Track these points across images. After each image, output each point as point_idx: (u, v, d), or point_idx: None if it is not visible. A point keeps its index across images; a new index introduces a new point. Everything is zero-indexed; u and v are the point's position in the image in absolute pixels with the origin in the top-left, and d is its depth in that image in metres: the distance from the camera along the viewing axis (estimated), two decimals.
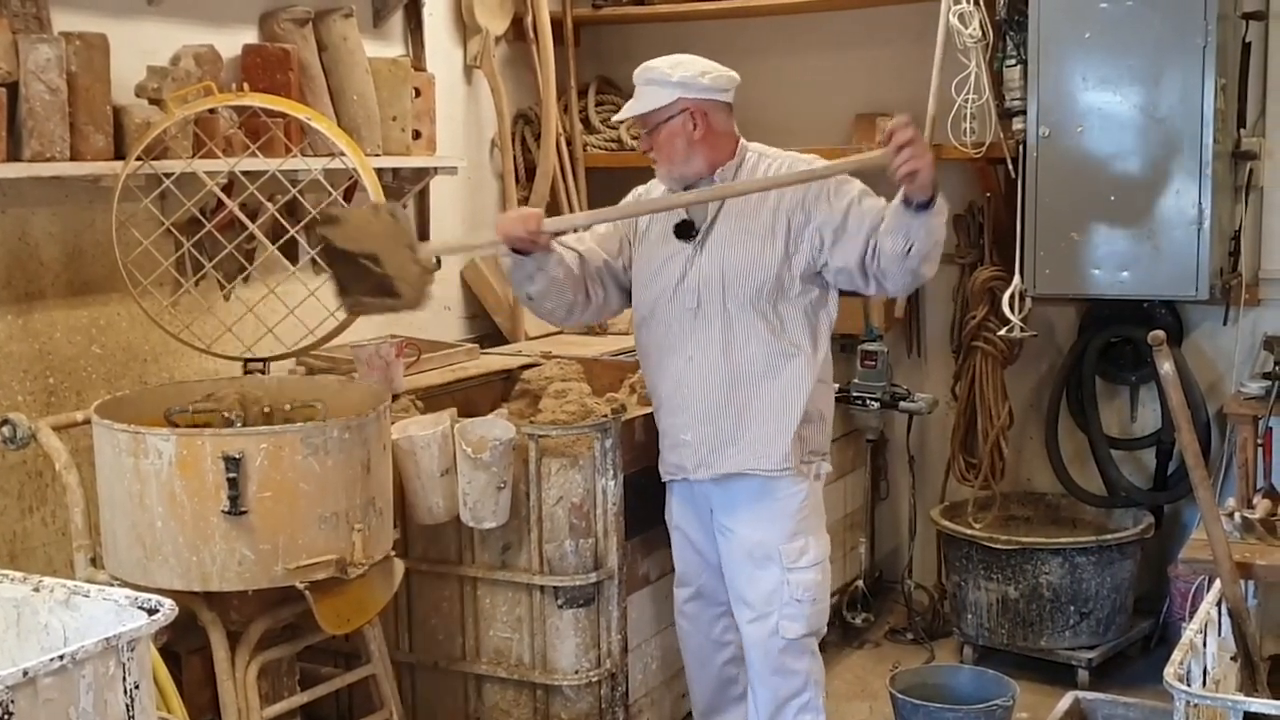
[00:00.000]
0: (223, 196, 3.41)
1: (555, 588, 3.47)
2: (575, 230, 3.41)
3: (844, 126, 5.02)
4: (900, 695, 3.84)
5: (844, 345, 5.03)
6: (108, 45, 3.34)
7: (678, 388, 3.34)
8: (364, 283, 3.13)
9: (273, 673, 3.14)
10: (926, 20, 4.58)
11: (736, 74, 3.31)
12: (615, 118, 3.38)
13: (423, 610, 3.68)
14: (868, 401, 4.64)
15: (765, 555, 3.31)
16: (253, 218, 3.43)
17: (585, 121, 5.23)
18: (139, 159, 3.29)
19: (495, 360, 4.35)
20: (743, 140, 3.36)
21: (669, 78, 3.21)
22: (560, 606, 3.49)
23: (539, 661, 3.53)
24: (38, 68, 3.16)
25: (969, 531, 4.52)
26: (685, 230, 3.32)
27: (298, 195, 3.42)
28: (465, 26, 4.78)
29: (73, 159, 3.26)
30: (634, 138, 5.21)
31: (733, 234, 3.28)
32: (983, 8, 4.40)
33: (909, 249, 3.08)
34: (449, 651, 3.66)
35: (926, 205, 3.03)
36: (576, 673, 3.50)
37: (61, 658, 1.95)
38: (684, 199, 3.26)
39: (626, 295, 3.48)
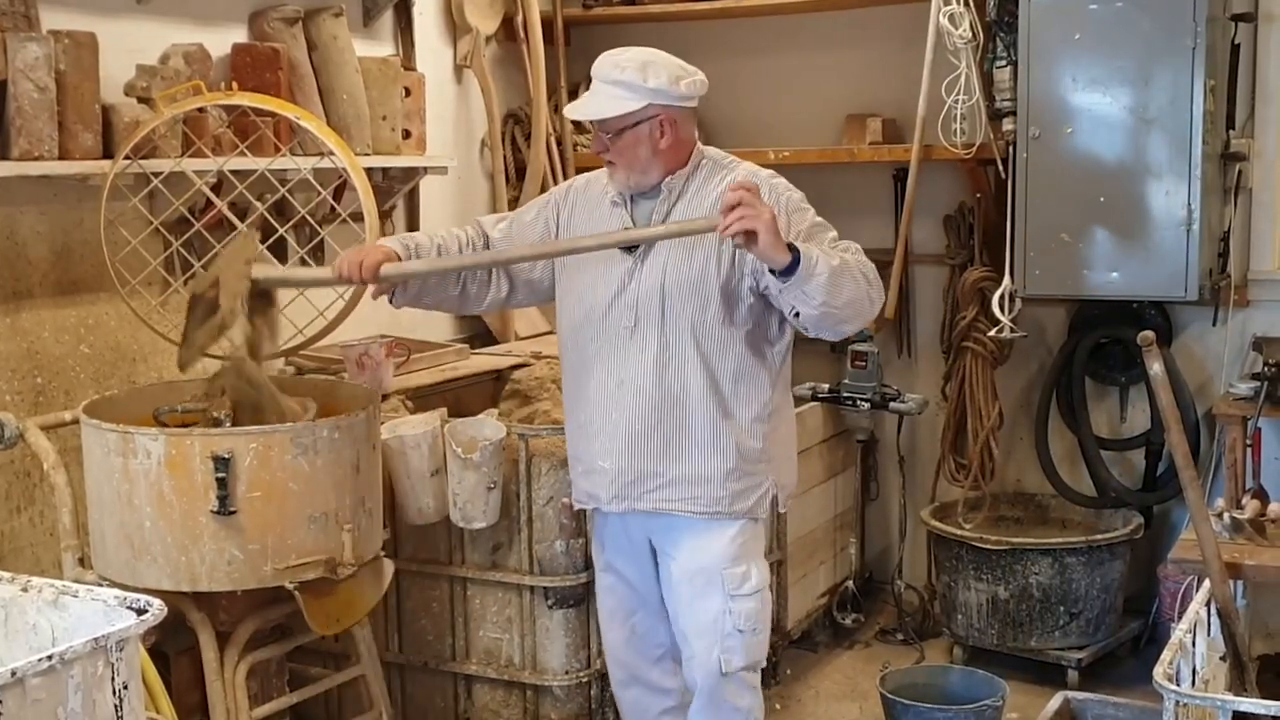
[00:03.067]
0: (211, 196, 3.40)
1: (545, 588, 3.47)
2: (413, 278, 3.00)
3: (835, 126, 5.03)
4: (890, 695, 3.84)
5: (834, 346, 5.04)
6: (96, 44, 3.32)
7: (602, 411, 3.02)
8: (202, 316, 3.00)
9: (262, 673, 3.14)
10: (917, 21, 4.59)
11: (705, 76, 3.00)
12: (568, 113, 3.04)
13: (412, 610, 3.68)
14: (858, 402, 4.64)
15: (707, 581, 3.02)
16: (242, 217, 3.42)
17: (575, 122, 5.22)
18: (128, 158, 3.28)
19: (485, 360, 4.34)
20: (699, 145, 3.06)
21: (641, 83, 2.88)
22: (550, 607, 3.49)
23: (529, 662, 3.53)
24: (26, 66, 3.15)
25: (959, 532, 4.52)
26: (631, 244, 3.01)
27: (287, 195, 3.41)
28: (455, 26, 4.77)
29: (61, 158, 3.24)
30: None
31: (677, 248, 2.97)
32: (973, 9, 4.41)
33: (797, 314, 2.82)
34: (439, 652, 3.65)
35: (790, 270, 2.70)
36: (567, 673, 3.50)
37: (50, 658, 1.94)
38: (581, 245, 2.99)
39: (539, 295, 3.22)
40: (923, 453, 5.07)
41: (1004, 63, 4.37)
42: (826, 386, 4.71)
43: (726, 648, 3.03)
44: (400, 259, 2.92)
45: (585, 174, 3.20)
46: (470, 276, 3.08)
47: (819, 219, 2.99)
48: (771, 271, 2.73)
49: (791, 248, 2.70)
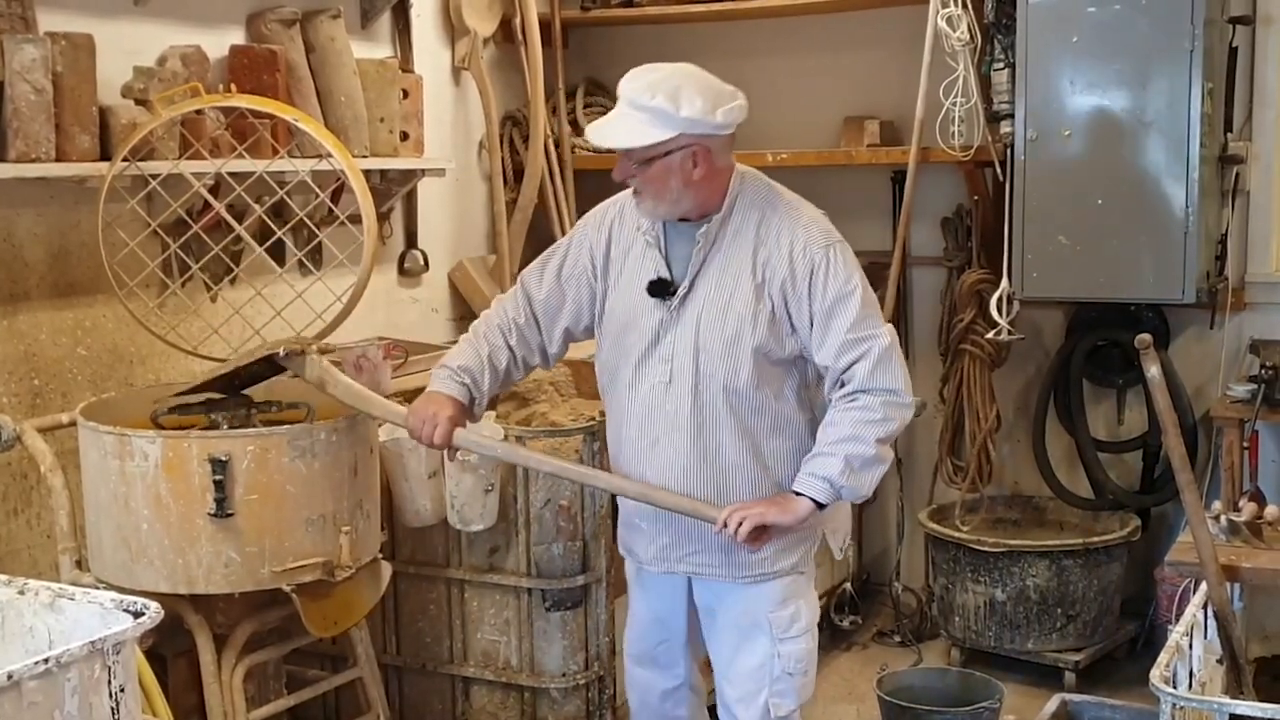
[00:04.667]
0: (209, 198, 3.40)
1: (543, 590, 3.47)
2: (483, 454, 3.01)
3: (833, 129, 5.03)
4: (887, 698, 3.84)
5: None
6: (94, 45, 3.32)
7: (638, 468, 2.85)
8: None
9: (259, 675, 3.14)
10: (915, 24, 4.59)
11: (745, 100, 2.77)
12: (595, 142, 2.76)
13: (410, 613, 3.68)
14: None
15: (753, 623, 2.88)
16: (239, 219, 3.41)
17: (573, 123, 5.22)
18: (125, 160, 3.27)
19: None
20: (736, 170, 2.81)
21: (673, 112, 2.63)
22: (548, 609, 3.48)
23: (526, 664, 3.53)
24: (23, 68, 3.15)
25: (956, 534, 4.52)
26: (660, 288, 2.79)
27: (285, 197, 3.41)
28: (453, 28, 4.77)
29: (58, 160, 3.24)
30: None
31: (712, 302, 2.76)
32: (971, 11, 4.41)
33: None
34: (436, 654, 3.65)
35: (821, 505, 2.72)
36: (564, 675, 3.50)
37: (46, 661, 1.95)
38: (553, 468, 2.97)
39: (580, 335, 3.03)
40: (920, 455, 5.07)
41: (1002, 65, 4.37)
42: None
43: (776, 691, 2.89)
44: (464, 403, 2.84)
45: (619, 199, 2.93)
46: (521, 360, 2.95)
47: (860, 298, 2.73)
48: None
49: (806, 495, 2.70)
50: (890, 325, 2.79)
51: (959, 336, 4.70)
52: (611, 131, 2.73)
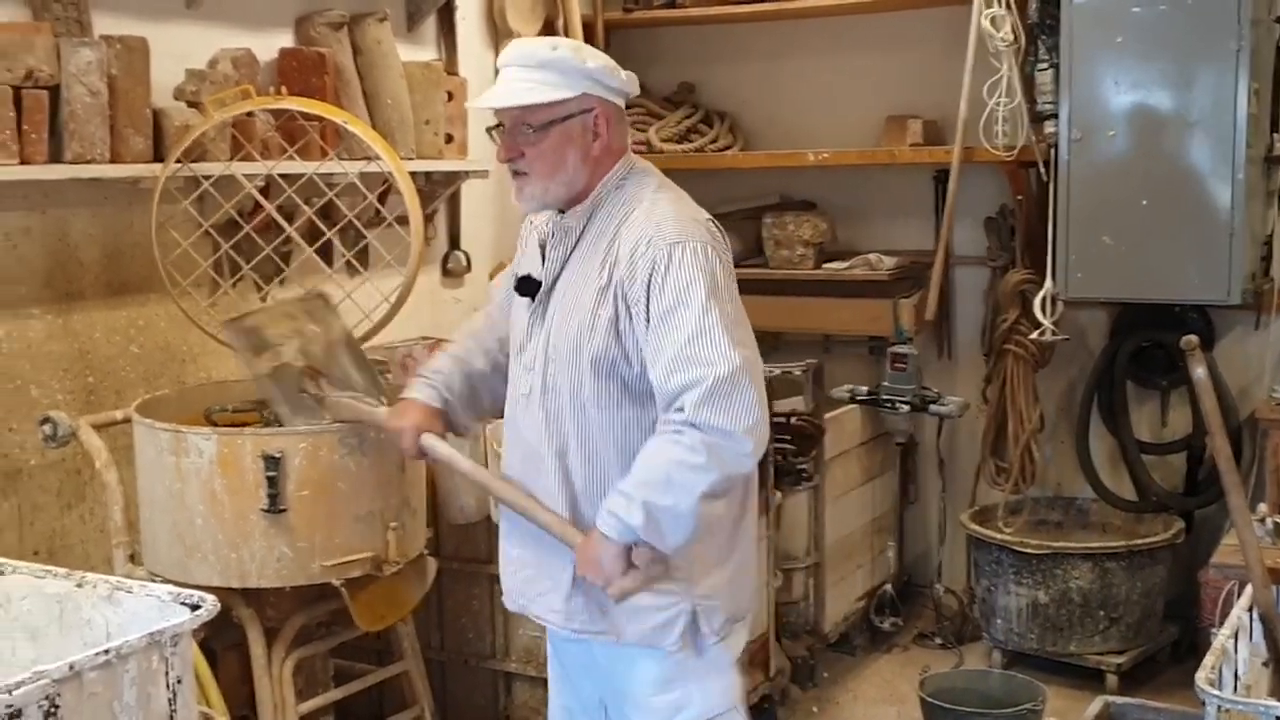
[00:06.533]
0: (260, 199, 3.44)
1: None
2: (451, 463, 2.67)
3: (875, 128, 5.03)
4: (930, 699, 3.84)
5: (873, 347, 5.06)
6: (147, 48, 3.38)
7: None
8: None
9: (308, 669, 3.17)
10: (958, 24, 4.58)
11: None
12: (475, 103, 2.47)
13: (454, 608, 3.71)
14: (897, 404, 4.65)
15: (634, 710, 2.51)
16: (289, 220, 3.46)
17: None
18: (178, 161, 3.32)
19: None
20: (626, 159, 2.48)
21: (577, 64, 2.33)
22: None
23: None
24: (79, 71, 3.20)
25: (999, 536, 4.51)
26: (527, 285, 2.49)
27: (333, 198, 3.45)
28: (497, 30, 4.80)
29: (113, 161, 3.30)
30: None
31: (565, 300, 2.44)
32: (1014, 11, 4.40)
33: None
34: (479, 649, 3.68)
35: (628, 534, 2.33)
36: None
37: (107, 652, 1.97)
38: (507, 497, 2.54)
39: None
40: (962, 456, 5.06)
41: (1046, 65, 4.36)
42: (865, 389, 4.71)
43: None
44: (435, 406, 2.62)
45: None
46: (491, 382, 2.69)
47: (701, 307, 2.30)
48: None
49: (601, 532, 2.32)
50: (747, 352, 2.32)
51: (1002, 337, 4.68)
52: (506, 91, 2.36)
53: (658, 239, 2.34)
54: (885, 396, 4.66)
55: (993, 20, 4.39)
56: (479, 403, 2.70)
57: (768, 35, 5.24)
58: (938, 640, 4.77)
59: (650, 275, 2.32)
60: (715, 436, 2.27)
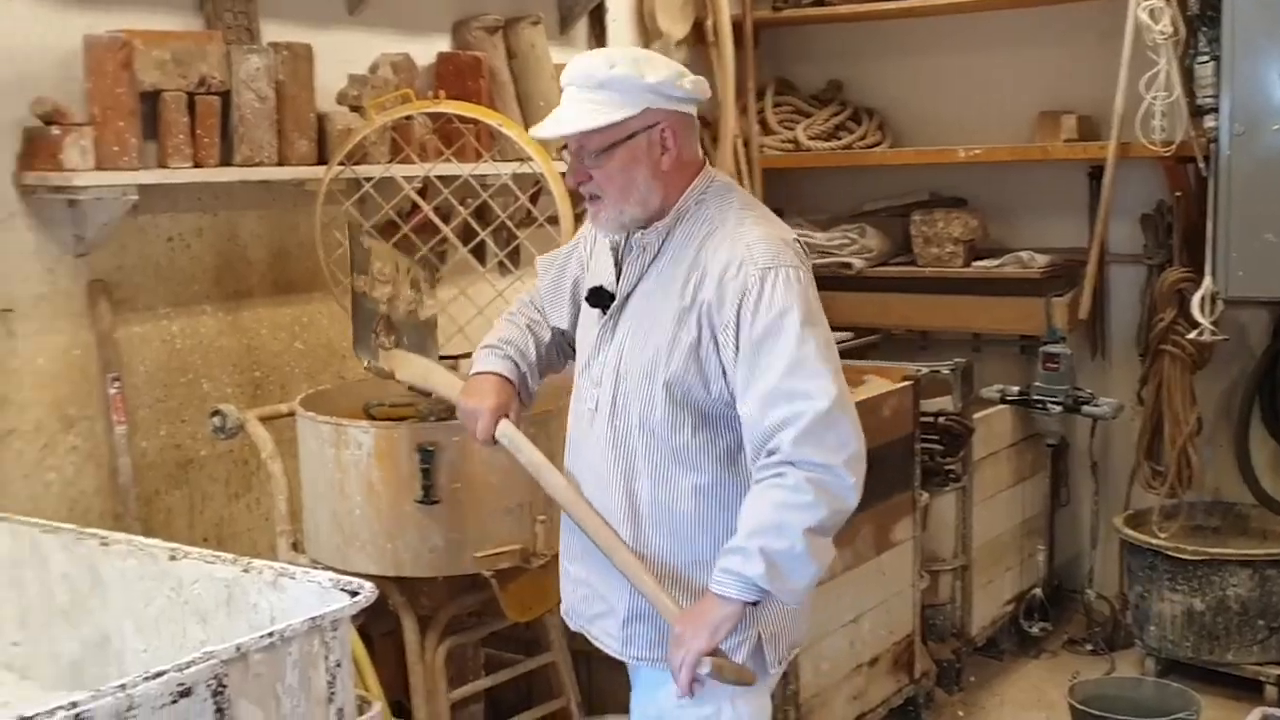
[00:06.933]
0: (418, 200, 3.54)
1: None
2: (527, 468, 2.56)
3: (1026, 124, 4.94)
4: (1080, 706, 3.78)
5: (1024, 347, 4.98)
6: (312, 55, 3.50)
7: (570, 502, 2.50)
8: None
9: (459, 657, 3.26)
10: (1113, 16, 4.49)
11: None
12: (539, 133, 2.33)
13: None
14: (1049, 405, 4.57)
15: None
16: (445, 220, 3.55)
17: (762, 123, 5.26)
18: (341, 164, 3.44)
19: None
20: (706, 172, 2.39)
21: (638, 79, 2.22)
22: None
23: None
24: (248, 77, 3.34)
25: (1154, 541, 4.41)
26: (598, 297, 2.42)
27: (487, 199, 3.54)
28: (647, 31, 4.85)
29: (279, 164, 3.43)
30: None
31: (640, 319, 2.35)
32: (1174, 3, 4.29)
33: None
34: None
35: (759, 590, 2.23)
36: None
37: (271, 635, 2.06)
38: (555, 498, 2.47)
39: None
40: (1116, 458, 4.95)
41: (1206, 58, 4.24)
42: (1016, 389, 4.64)
43: None
44: (511, 379, 2.52)
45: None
46: (554, 349, 2.63)
47: (798, 336, 2.22)
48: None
49: (731, 596, 2.21)
50: (841, 380, 2.24)
51: (1159, 337, 4.57)
52: (567, 117, 2.27)
53: (749, 263, 2.24)
54: (1036, 397, 4.59)
55: (1151, 12, 4.29)
56: (549, 368, 2.64)
57: (917, 31, 5.19)
58: (1088, 646, 4.68)
59: (741, 301, 2.23)
60: (818, 473, 2.19)
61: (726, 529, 2.31)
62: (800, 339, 2.21)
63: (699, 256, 2.30)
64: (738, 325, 2.23)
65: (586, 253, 2.54)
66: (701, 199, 2.35)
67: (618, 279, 2.39)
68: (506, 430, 2.48)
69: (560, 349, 2.63)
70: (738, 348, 2.24)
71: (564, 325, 2.60)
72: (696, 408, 2.31)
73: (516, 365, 2.54)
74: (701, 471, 2.34)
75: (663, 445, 2.32)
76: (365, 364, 3.00)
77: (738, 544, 2.23)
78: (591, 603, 2.47)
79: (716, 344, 2.27)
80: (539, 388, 2.65)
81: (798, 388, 2.19)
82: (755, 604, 2.25)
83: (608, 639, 2.46)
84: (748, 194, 2.45)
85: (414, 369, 2.86)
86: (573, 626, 2.58)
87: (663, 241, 2.33)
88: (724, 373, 2.27)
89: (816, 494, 2.19)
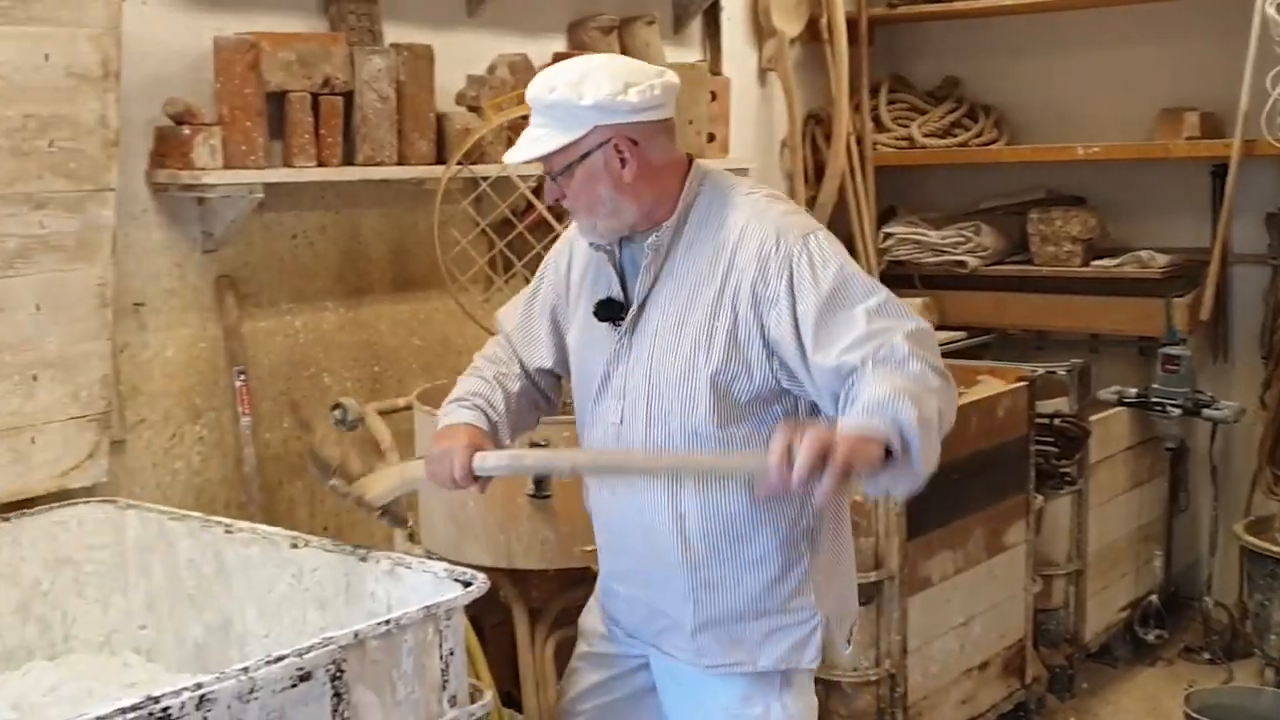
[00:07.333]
0: (532, 199, 3.58)
1: None
2: (521, 469, 2.52)
3: (1147, 121, 4.84)
4: (1196, 716, 3.71)
5: (1143, 348, 4.88)
6: (432, 55, 3.56)
7: (606, 527, 2.47)
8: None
9: (568, 649, 3.29)
10: (1238, 12, 4.37)
11: (674, 76, 2.29)
12: (508, 162, 2.35)
13: None
14: (1168, 408, 4.48)
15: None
16: (559, 219, 3.59)
17: (876, 120, 5.23)
18: (459, 163, 3.49)
19: None
20: (696, 166, 2.33)
21: (575, 101, 2.20)
22: None
23: None
24: (370, 78, 3.41)
25: (1276, 548, 4.29)
26: (608, 310, 2.35)
27: None
28: (761, 29, 4.86)
29: (399, 163, 3.49)
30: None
31: (666, 325, 2.29)
32: None
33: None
34: None
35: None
36: (855, 670, 3.53)
37: (388, 622, 2.12)
38: (585, 462, 2.34)
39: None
40: (1237, 463, 4.82)
41: None
42: (1134, 391, 4.56)
43: None
44: (481, 428, 2.38)
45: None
46: (525, 402, 2.50)
47: (864, 283, 2.20)
48: None
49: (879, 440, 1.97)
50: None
51: None
52: (521, 144, 2.29)
53: (785, 234, 2.21)
54: (1155, 399, 4.49)
55: (1278, 6, 4.17)
56: (520, 423, 2.49)
57: (1036, 27, 5.11)
58: (1205, 655, 4.57)
59: (792, 272, 2.18)
60: (936, 369, 2.10)
61: (783, 518, 2.30)
62: (868, 288, 2.19)
63: (720, 241, 2.26)
64: (793, 294, 2.18)
65: (564, 276, 2.48)
66: (699, 190, 2.32)
67: (623, 288, 2.35)
68: (486, 459, 2.31)
69: (534, 401, 2.52)
70: (797, 318, 2.17)
71: (547, 363, 2.50)
72: (737, 400, 2.26)
73: (486, 415, 2.41)
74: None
75: (708, 445, 2.26)
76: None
77: (876, 399, 2.01)
78: (654, 619, 2.42)
79: (761, 324, 2.21)
80: (520, 437, 2.55)
81: (885, 325, 2.13)
82: (888, 458, 1.98)
83: (679, 652, 2.40)
84: (740, 178, 2.42)
85: (384, 482, 2.51)
86: (637, 650, 2.49)
87: (673, 239, 2.30)
88: (767, 353, 2.22)
89: (942, 383, 2.11)
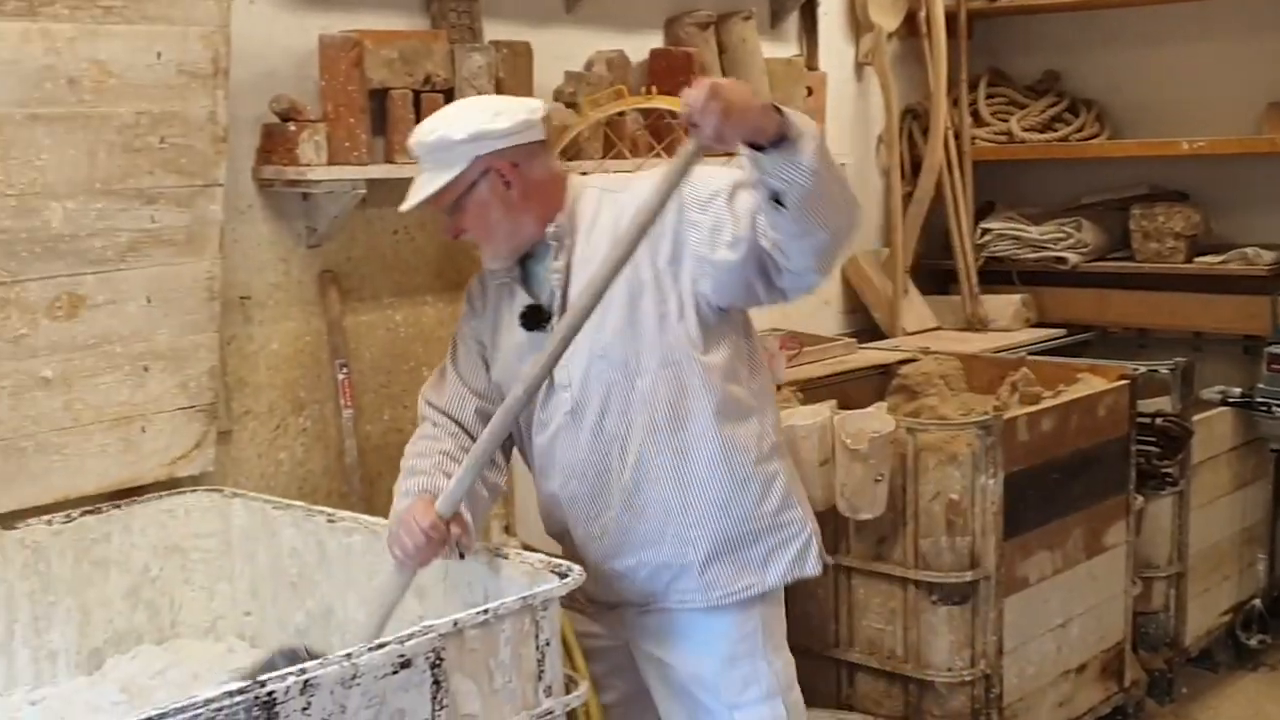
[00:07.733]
0: None
1: (930, 583, 3.48)
2: (466, 488, 2.42)
3: (1253, 115, 4.73)
4: None
5: (1248, 347, 4.78)
6: (531, 52, 3.59)
7: (582, 517, 2.58)
8: None
9: None
10: None
11: (538, 100, 2.57)
12: (402, 208, 2.49)
13: (798, 596, 3.75)
14: (1273, 408, 4.38)
15: (700, 688, 2.58)
16: None
17: (974, 115, 5.17)
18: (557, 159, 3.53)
19: (873, 355, 4.37)
20: (571, 177, 2.57)
21: (452, 140, 2.37)
22: (934, 602, 3.49)
23: (912, 655, 3.55)
24: (470, 75, 3.44)
25: None
26: (534, 317, 2.49)
27: None
28: (858, 24, 4.83)
29: None
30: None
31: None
32: None
33: (778, 201, 2.19)
34: (822, 638, 3.73)
35: (778, 143, 2.14)
36: (950, 670, 3.50)
37: (486, 612, 2.16)
38: (540, 366, 2.31)
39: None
40: None
41: None
42: (1239, 391, 4.46)
43: None
44: (435, 493, 2.42)
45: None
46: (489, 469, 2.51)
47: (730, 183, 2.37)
48: (757, 147, 2.14)
49: (775, 108, 2.14)
50: None
51: None
52: (413, 189, 2.47)
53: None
54: (1260, 400, 4.39)
55: None
56: (477, 502, 2.49)
57: (1138, 20, 5.02)
58: None
59: (682, 202, 2.37)
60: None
61: (751, 438, 2.51)
62: (738, 179, 2.34)
63: (616, 216, 2.42)
64: (680, 217, 2.38)
65: (482, 311, 2.64)
66: (581, 192, 2.51)
67: (528, 292, 2.52)
68: (442, 496, 2.38)
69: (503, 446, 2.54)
70: (685, 221, 2.38)
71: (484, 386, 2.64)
72: (679, 346, 2.44)
73: (432, 480, 2.46)
74: (702, 414, 2.46)
75: (663, 402, 2.44)
76: None
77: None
78: (658, 576, 2.55)
79: (673, 250, 2.40)
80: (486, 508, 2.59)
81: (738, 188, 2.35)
82: (779, 145, 2.14)
83: (689, 596, 2.54)
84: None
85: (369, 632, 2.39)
86: (640, 615, 2.61)
87: (571, 228, 2.47)
88: (675, 255, 2.40)
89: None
